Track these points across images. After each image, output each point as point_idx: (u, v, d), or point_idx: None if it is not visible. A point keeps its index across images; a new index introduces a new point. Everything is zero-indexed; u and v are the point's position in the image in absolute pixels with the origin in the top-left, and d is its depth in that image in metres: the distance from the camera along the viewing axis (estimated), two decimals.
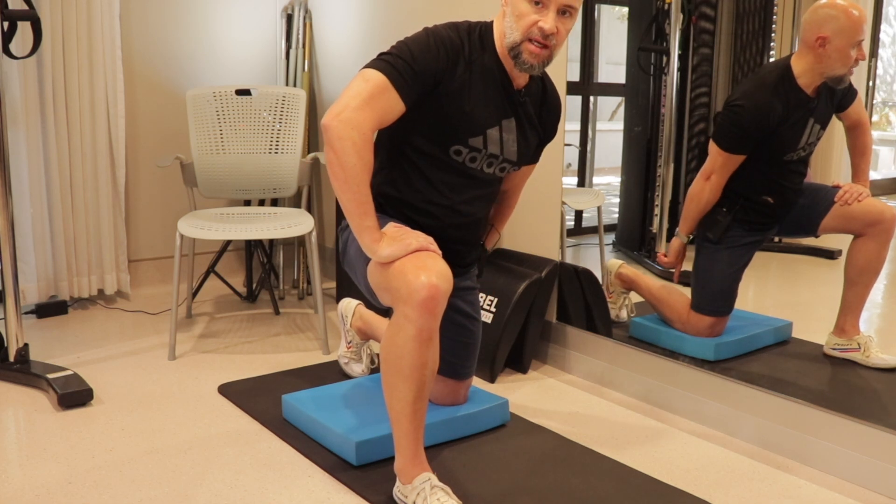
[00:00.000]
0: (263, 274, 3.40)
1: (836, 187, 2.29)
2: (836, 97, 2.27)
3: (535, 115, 1.94)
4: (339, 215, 3.11)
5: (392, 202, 1.90)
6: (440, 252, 1.68)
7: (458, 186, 1.88)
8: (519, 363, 2.59)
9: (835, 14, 2.11)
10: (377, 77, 1.67)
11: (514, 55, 1.75)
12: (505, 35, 1.77)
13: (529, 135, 1.93)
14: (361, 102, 1.64)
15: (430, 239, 1.70)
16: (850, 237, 2.25)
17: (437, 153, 1.83)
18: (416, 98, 1.72)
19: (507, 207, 2.17)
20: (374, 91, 1.66)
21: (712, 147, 2.33)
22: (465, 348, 2.08)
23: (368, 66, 1.70)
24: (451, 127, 1.80)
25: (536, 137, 1.98)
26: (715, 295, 2.42)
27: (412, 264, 1.61)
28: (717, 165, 2.33)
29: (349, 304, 2.48)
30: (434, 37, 1.75)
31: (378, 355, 2.51)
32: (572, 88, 2.64)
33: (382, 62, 1.69)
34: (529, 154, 1.99)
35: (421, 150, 1.84)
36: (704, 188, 2.36)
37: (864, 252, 2.21)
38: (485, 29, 1.83)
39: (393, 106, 1.69)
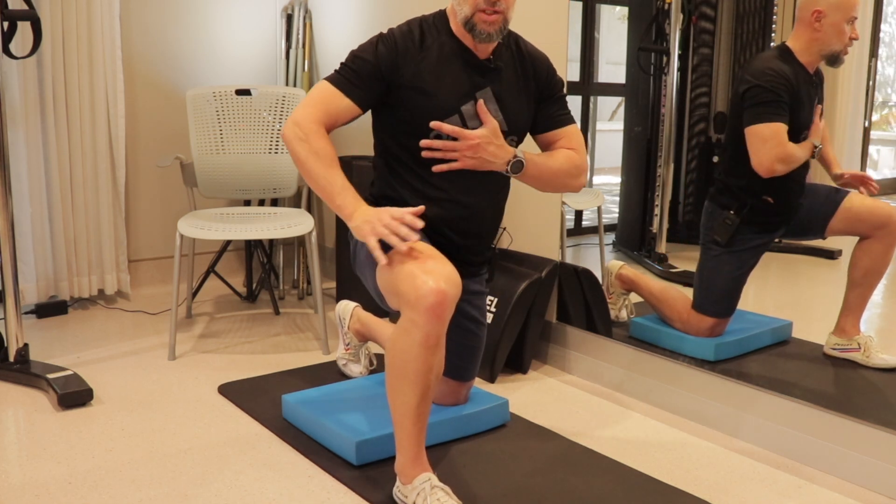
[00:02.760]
0: (263, 274, 3.40)
1: (841, 183, 2.29)
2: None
3: (520, 75, 1.91)
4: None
5: (395, 204, 1.90)
6: (419, 224, 1.66)
7: (451, 176, 1.86)
8: (519, 363, 2.59)
9: None
10: (323, 85, 1.82)
11: (469, 28, 1.80)
12: (457, 14, 1.81)
13: (518, 98, 1.91)
14: (306, 104, 1.81)
15: (407, 210, 1.69)
16: (851, 237, 2.25)
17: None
18: (367, 96, 1.81)
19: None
20: (320, 96, 1.81)
21: (754, 132, 2.24)
22: (470, 351, 2.07)
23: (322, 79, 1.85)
24: (423, 114, 1.81)
25: (528, 98, 1.93)
26: (718, 297, 2.41)
27: (420, 268, 1.60)
28: (771, 142, 2.22)
29: (346, 307, 2.48)
30: (380, 36, 1.84)
31: (377, 356, 2.51)
32: (572, 88, 2.64)
33: (332, 73, 1.84)
34: (526, 118, 1.93)
35: (406, 146, 1.85)
36: (788, 150, 2.23)
37: (870, 254, 2.21)
38: (439, 15, 1.89)
39: (343, 108, 1.80)
